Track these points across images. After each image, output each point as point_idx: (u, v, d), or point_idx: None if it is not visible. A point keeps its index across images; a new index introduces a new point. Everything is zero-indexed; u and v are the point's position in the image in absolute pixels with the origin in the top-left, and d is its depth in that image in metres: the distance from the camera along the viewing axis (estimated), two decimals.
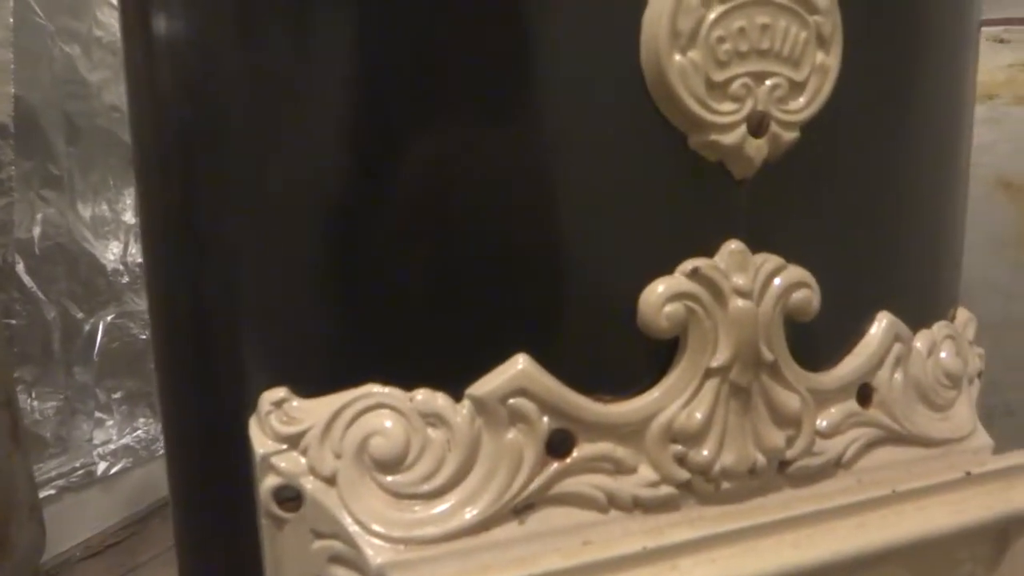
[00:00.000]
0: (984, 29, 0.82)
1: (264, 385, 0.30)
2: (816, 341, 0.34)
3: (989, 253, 0.81)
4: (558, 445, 0.30)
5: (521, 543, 0.29)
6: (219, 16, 0.31)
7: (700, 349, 0.31)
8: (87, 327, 1.20)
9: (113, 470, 1.22)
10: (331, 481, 0.29)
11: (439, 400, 0.30)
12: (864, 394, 0.35)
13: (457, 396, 0.30)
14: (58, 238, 1.15)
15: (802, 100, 0.31)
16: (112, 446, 1.24)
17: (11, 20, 1.05)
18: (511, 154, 0.29)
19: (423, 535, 0.29)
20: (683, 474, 0.31)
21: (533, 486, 0.30)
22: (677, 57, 0.29)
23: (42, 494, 1.06)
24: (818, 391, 0.33)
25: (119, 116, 1.21)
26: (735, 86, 0.30)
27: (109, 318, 1.23)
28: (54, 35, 1.14)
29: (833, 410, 0.34)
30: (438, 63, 0.29)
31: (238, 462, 0.31)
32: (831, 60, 0.31)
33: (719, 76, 0.30)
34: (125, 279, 1.26)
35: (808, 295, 0.32)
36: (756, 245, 0.32)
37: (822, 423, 0.34)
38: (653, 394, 0.31)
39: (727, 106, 0.30)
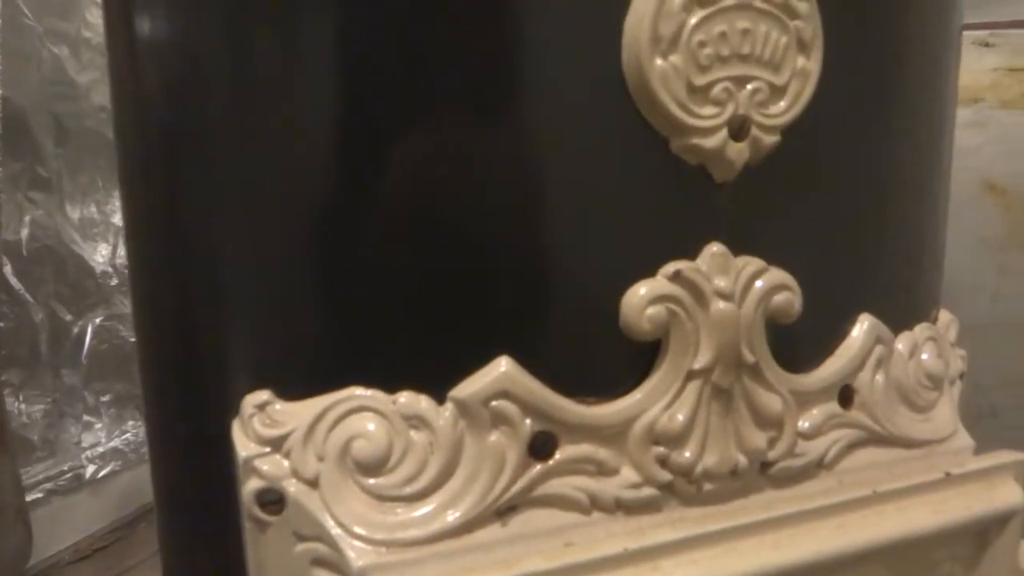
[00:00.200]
0: (969, 33, 0.82)
1: (247, 388, 0.30)
2: (798, 343, 0.34)
3: (975, 255, 0.82)
4: (541, 447, 0.30)
5: (503, 545, 0.29)
6: (203, 15, 0.31)
7: (682, 351, 0.31)
8: (75, 329, 1.20)
9: (101, 473, 1.21)
10: (314, 484, 0.29)
11: (422, 403, 0.30)
12: (846, 396, 0.35)
13: (440, 399, 0.30)
14: (46, 240, 1.15)
15: (783, 104, 0.31)
16: (100, 449, 1.23)
17: None
18: (493, 157, 0.29)
19: (405, 537, 0.29)
20: (665, 475, 0.31)
21: (516, 488, 0.30)
22: (658, 61, 0.29)
23: (29, 498, 1.05)
24: (800, 393, 0.34)
25: (108, 117, 1.20)
26: (716, 90, 0.30)
27: (98, 320, 1.23)
28: (42, 36, 1.13)
29: (815, 411, 0.35)
30: (420, 66, 0.29)
31: (221, 465, 0.31)
32: (812, 64, 0.32)
33: (700, 80, 0.30)
34: (114, 281, 1.25)
35: (789, 297, 0.33)
36: (738, 248, 0.32)
37: (804, 424, 0.34)
38: (635, 396, 0.31)
39: (708, 110, 0.30)
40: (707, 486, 0.32)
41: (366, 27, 0.29)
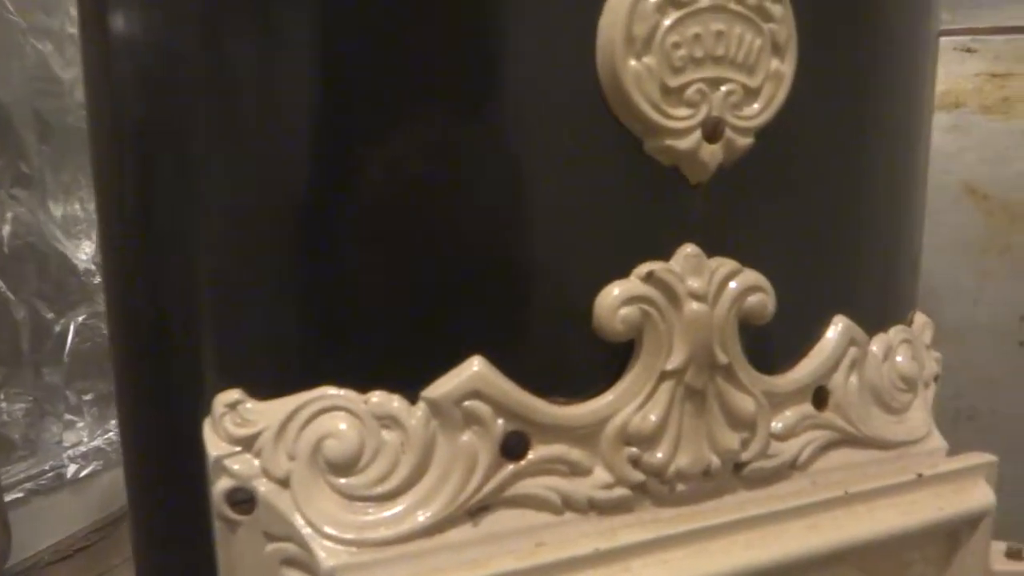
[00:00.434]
0: (951, 38, 0.83)
1: (219, 387, 0.30)
2: (771, 344, 0.34)
3: (955, 259, 0.82)
4: (513, 447, 0.30)
5: (475, 545, 0.29)
6: (179, 10, 0.30)
7: (655, 352, 0.31)
8: (57, 328, 1.19)
9: (83, 473, 1.20)
10: (284, 483, 0.29)
11: (394, 403, 0.30)
12: (819, 397, 0.36)
13: (412, 399, 0.30)
14: (28, 237, 1.14)
15: (756, 106, 0.31)
16: (82, 448, 1.22)
17: None
18: (467, 157, 0.29)
19: (376, 537, 0.28)
20: (638, 476, 0.31)
21: (487, 488, 0.30)
22: (632, 62, 0.29)
23: (10, 497, 1.04)
24: (773, 394, 0.34)
25: None
26: (690, 92, 0.30)
27: (80, 319, 1.22)
28: (26, 32, 1.12)
29: (788, 413, 0.35)
30: (395, 65, 0.29)
31: (193, 464, 0.31)
32: (786, 67, 0.32)
33: (674, 82, 0.30)
34: (96, 279, 1.24)
35: (763, 299, 0.33)
36: (711, 249, 0.32)
37: (777, 425, 0.34)
38: (608, 397, 0.31)
39: (682, 111, 0.30)
40: (680, 487, 0.32)
41: (342, 27, 0.29)
